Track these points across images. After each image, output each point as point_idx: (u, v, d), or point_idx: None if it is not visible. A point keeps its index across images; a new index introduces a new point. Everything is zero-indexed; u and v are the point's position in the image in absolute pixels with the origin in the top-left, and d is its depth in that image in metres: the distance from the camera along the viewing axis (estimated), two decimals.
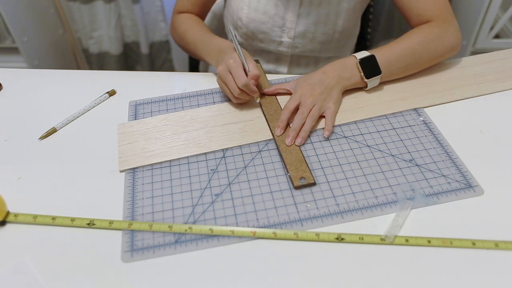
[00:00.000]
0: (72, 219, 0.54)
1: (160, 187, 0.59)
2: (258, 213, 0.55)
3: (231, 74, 0.66)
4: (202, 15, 0.89)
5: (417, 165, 0.60)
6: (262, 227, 0.53)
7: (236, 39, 0.70)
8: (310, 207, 0.55)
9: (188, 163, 0.62)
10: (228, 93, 0.69)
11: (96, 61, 1.71)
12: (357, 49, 1.01)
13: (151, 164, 0.62)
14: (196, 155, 0.63)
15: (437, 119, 0.67)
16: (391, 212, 0.54)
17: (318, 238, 0.51)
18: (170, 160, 0.63)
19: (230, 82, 0.66)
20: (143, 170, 0.61)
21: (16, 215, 0.55)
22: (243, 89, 0.65)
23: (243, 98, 0.68)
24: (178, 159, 0.63)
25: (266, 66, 0.90)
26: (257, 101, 0.70)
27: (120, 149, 0.65)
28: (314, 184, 0.57)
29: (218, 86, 0.77)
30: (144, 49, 1.66)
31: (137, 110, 0.73)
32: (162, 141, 0.65)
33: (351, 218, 0.54)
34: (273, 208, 0.55)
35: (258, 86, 0.72)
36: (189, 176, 0.60)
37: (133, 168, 0.62)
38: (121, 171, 0.61)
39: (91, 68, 1.74)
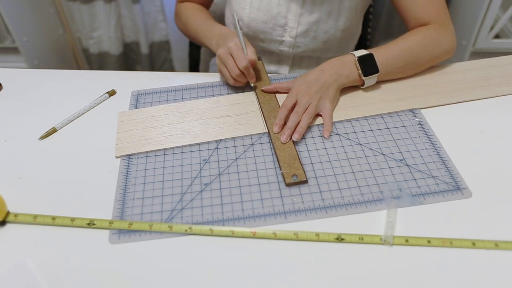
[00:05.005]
0: (72, 219, 0.54)
1: (153, 174, 0.61)
2: (244, 204, 0.56)
3: (232, 56, 0.69)
4: (205, 4, 0.91)
5: (407, 165, 0.60)
6: (246, 218, 0.54)
7: (239, 24, 0.72)
8: (296, 201, 0.56)
9: (182, 152, 0.64)
10: (227, 75, 0.71)
11: (96, 61, 1.71)
12: (357, 49, 1.01)
13: (146, 152, 0.64)
14: (190, 145, 0.64)
15: (434, 121, 0.67)
16: (376, 210, 0.54)
17: (318, 238, 0.51)
18: (164, 149, 0.64)
19: (230, 63, 0.69)
20: (138, 157, 0.63)
21: (16, 215, 0.55)
22: (243, 71, 0.69)
23: (240, 81, 0.72)
24: (173, 148, 0.64)
25: (268, 67, 0.90)
26: (252, 85, 0.73)
27: (118, 136, 0.66)
28: (305, 182, 0.58)
29: (218, 81, 0.77)
30: (144, 49, 1.66)
31: (139, 100, 0.75)
32: (159, 130, 0.67)
33: (335, 214, 0.54)
34: (259, 200, 0.56)
35: (256, 76, 0.75)
36: (181, 165, 0.62)
37: (129, 155, 0.63)
38: (117, 157, 0.63)
39: (91, 68, 1.74)
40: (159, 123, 0.69)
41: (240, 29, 0.72)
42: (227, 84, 0.77)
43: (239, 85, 0.74)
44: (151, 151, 0.64)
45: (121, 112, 0.71)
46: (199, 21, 0.83)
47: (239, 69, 0.69)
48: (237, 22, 0.72)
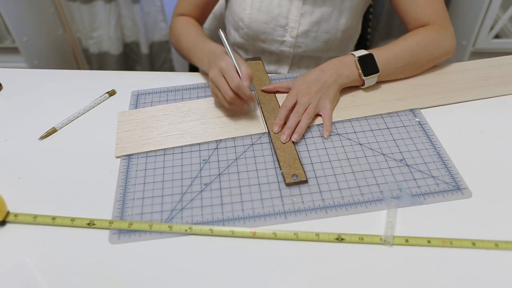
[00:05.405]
0: (72, 219, 0.54)
1: (153, 174, 0.61)
2: (244, 204, 0.56)
3: (224, 77, 0.63)
4: (202, 18, 0.88)
5: (407, 165, 0.60)
6: (246, 218, 0.54)
7: (227, 42, 0.67)
8: (295, 201, 0.56)
9: (182, 152, 0.64)
10: (221, 98, 0.65)
11: (96, 61, 1.71)
12: (357, 49, 1.01)
13: (146, 152, 0.64)
14: (190, 145, 0.64)
15: (434, 121, 0.67)
16: (376, 210, 0.55)
17: (318, 238, 0.51)
18: (164, 149, 0.64)
19: (223, 85, 0.63)
20: (138, 157, 0.63)
21: (16, 215, 0.55)
22: (237, 91, 0.62)
23: (236, 103, 0.65)
24: (173, 148, 0.64)
25: (267, 67, 0.90)
26: (253, 107, 0.67)
27: (118, 136, 0.67)
28: (305, 182, 0.58)
29: None
30: (144, 49, 1.66)
31: (139, 100, 0.75)
32: (159, 130, 0.67)
33: (335, 214, 0.54)
34: (259, 200, 0.56)
35: (256, 76, 0.74)
36: (181, 165, 0.62)
37: (129, 155, 0.63)
38: (117, 157, 0.63)
39: (91, 68, 1.74)
40: (159, 123, 0.69)
41: (229, 45, 0.66)
42: None
43: (237, 109, 0.68)
44: (151, 151, 0.64)
45: (121, 112, 0.71)
46: (192, 38, 0.77)
47: (232, 90, 0.62)
48: (224, 38, 0.67)
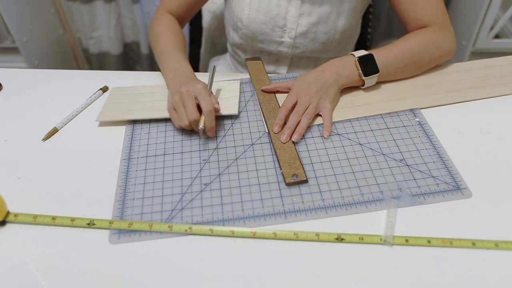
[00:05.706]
0: (72, 219, 0.54)
1: (153, 174, 0.61)
2: (244, 204, 0.56)
3: (197, 98, 0.63)
4: (187, 17, 0.87)
5: (407, 165, 0.60)
6: (246, 218, 0.54)
7: (213, 75, 0.68)
8: (295, 201, 0.56)
9: (182, 152, 0.64)
10: (181, 115, 0.63)
11: (96, 61, 1.71)
12: (357, 49, 1.01)
13: (146, 153, 0.64)
14: (190, 145, 0.65)
15: (434, 121, 0.67)
16: (376, 210, 0.54)
17: (318, 238, 0.51)
18: (164, 150, 0.64)
19: (193, 105, 0.62)
20: (138, 157, 0.63)
21: (16, 215, 0.55)
22: (206, 115, 0.62)
23: (192, 126, 0.64)
24: (173, 148, 0.64)
25: (266, 67, 0.90)
26: (200, 127, 0.62)
27: (104, 106, 0.72)
28: (305, 181, 0.58)
29: (218, 81, 0.76)
30: (144, 49, 1.67)
31: None
32: (143, 105, 0.71)
33: (335, 214, 0.54)
34: (259, 200, 0.56)
35: (256, 76, 0.76)
36: (181, 165, 0.62)
37: (129, 156, 0.64)
38: (98, 122, 0.69)
39: (91, 68, 1.74)
40: (147, 98, 0.72)
41: (212, 78, 0.68)
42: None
43: (187, 128, 0.65)
44: (151, 154, 0.64)
45: (114, 88, 0.76)
46: (167, 44, 0.77)
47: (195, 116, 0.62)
48: (211, 74, 0.68)
